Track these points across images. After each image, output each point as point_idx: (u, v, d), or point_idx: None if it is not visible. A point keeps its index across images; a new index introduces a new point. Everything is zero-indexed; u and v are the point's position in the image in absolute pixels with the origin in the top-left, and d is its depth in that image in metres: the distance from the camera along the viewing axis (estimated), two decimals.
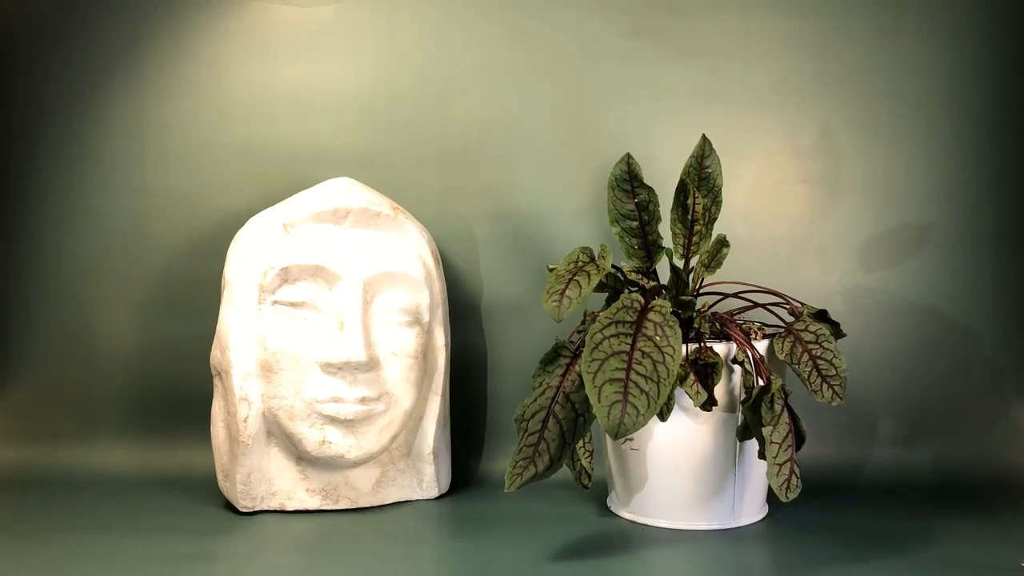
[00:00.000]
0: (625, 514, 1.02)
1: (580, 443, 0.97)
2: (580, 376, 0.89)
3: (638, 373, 0.84)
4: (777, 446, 0.89)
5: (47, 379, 1.26)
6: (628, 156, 1.00)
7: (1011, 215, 1.21)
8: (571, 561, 0.88)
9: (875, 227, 1.21)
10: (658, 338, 0.87)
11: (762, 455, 0.91)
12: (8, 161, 1.26)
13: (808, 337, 0.95)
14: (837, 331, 1.00)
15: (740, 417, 0.95)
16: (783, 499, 0.89)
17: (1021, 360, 1.20)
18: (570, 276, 0.93)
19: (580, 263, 0.95)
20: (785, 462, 0.89)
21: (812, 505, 1.05)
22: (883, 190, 1.21)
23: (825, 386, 0.92)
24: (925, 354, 1.21)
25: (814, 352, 0.94)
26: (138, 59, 1.25)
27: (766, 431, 0.89)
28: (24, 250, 1.26)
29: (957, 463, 1.17)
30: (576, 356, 0.93)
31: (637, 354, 0.86)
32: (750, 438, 0.93)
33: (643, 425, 0.83)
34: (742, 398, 0.93)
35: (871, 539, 0.94)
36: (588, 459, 0.99)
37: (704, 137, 1.03)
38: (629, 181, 1.00)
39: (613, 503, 1.05)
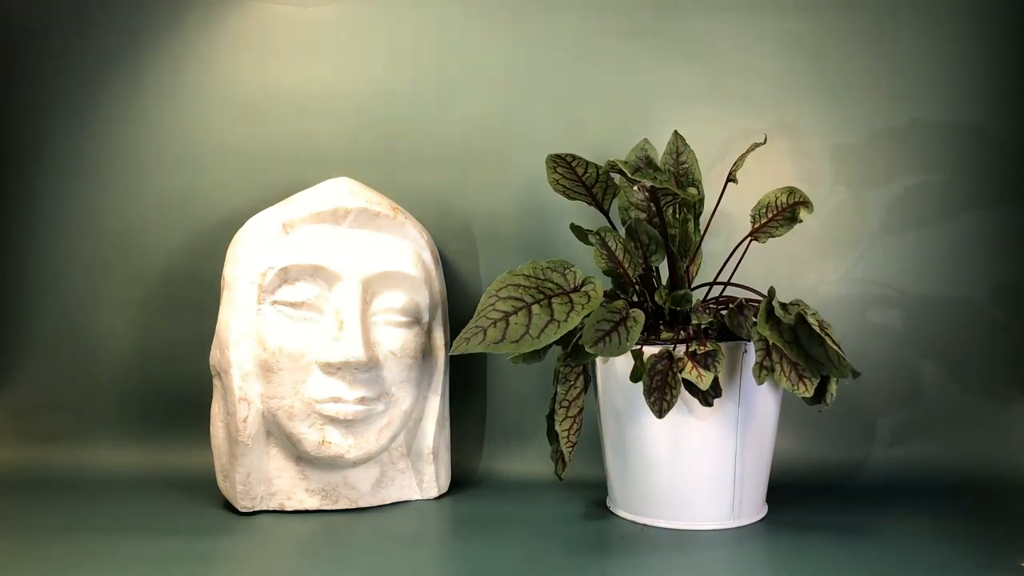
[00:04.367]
0: (625, 514, 1.02)
1: (565, 434, 0.96)
2: (573, 305, 0.88)
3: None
4: (819, 324, 0.87)
5: (47, 379, 1.26)
6: (645, 141, 0.99)
7: (1011, 214, 1.21)
8: (571, 561, 0.88)
9: (873, 226, 1.21)
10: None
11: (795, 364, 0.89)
12: (8, 161, 1.26)
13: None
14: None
15: (753, 352, 0.93)
16: (854, 376, 0.86)
17: (1021, 360, 1.20)
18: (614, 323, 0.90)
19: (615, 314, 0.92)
20: (837, 342, 0.87)
21: (812, 505, 1.06)
22: (881, 189, 1.21)
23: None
24: (924, 354, 1.21)
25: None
26: (138, 59, 1.25)
27: (806, 312, 0.87)
28: (24, 251, 1.26)
29: (957, 463, 1.17)
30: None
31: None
32: (770, 372, 0.91)
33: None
34: (751, 324, 0.91)
35: (871, 539, 0.94)
36: (569, 448, 0.96)
37: (676, 133, 1.03)
38: (644, 169, 0.99)
39: (612, 503, 1.05)
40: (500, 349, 0.86)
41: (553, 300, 0.89)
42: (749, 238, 1.00)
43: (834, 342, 0.87)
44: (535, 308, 0.88)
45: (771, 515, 1.02)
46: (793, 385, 0.90)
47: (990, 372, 1.21)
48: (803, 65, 1.21)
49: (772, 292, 0.91)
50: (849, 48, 1.21)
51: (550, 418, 0.98)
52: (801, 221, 0.95)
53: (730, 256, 1.03)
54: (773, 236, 0.98)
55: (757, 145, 1.04)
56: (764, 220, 0.97)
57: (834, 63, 1.21)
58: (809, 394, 0.90)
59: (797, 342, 0.89)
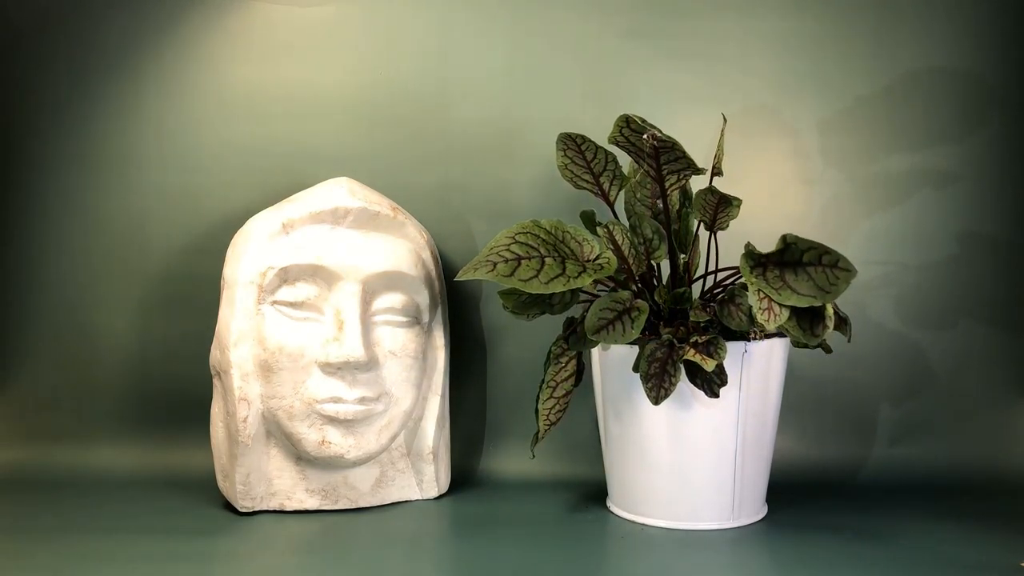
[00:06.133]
0: (625, 514, 1.02)
1: (545, 413, 0.96)
2: (585, 269, 0.89)
3: None
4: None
5: (47, 379, 1.26)
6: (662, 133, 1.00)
7: (1012, 214, 1.21)
8: (571, 561, 0.88)
9: (874, 226, 1.21)
10: None
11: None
12: (7, 161, 1.26)
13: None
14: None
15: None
16: (848, 277, 0.86)
17: (1021, 360, 1.20)
18: (617, 312, 0.92)
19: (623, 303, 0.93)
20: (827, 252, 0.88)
21: (812, 505, 1.06)
22: (882, 189, 1.21)
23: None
24: (925, 354, 1.21)
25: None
26: (138, 59, 1.25)
27: (803, 250, 0.88)
28: (24, 250, 1.26)
29: (957, 463, 1.17)
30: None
31: None
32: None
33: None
34: (744, 311, 0.93)
35: (871, 539, 0.94)
36: (546, 426, 0.97)
37: (661, 133, 1.03)
38: (656, 159, 0.99)
39: (612, 503, 1.05)
40: (507, 283, 0.86)
41: (567, 261, 0.90)
42: (712, 232, 1.01)
43: (822, 251, 0.86)
44: (548, 261, 0.89)
45: (771, 515, 1.02)
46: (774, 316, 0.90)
47: (990, 372, 1.20)
48: (804, 65, 1.21)
49: (749, 244, 0.92)
50: (850, 48, 1.21)
51: (537, 398, 0.99)
52: (739, 203, 0.96)
53: (708, 251, 1.04)
54: (731, 219, 0.99)
55: (723, 129, 1.05)
56: (711, 215, 0.98)
57: (835, 63, 1.21)
58: (781, 320, 0.89)
59: (786, 286, 0.89)
